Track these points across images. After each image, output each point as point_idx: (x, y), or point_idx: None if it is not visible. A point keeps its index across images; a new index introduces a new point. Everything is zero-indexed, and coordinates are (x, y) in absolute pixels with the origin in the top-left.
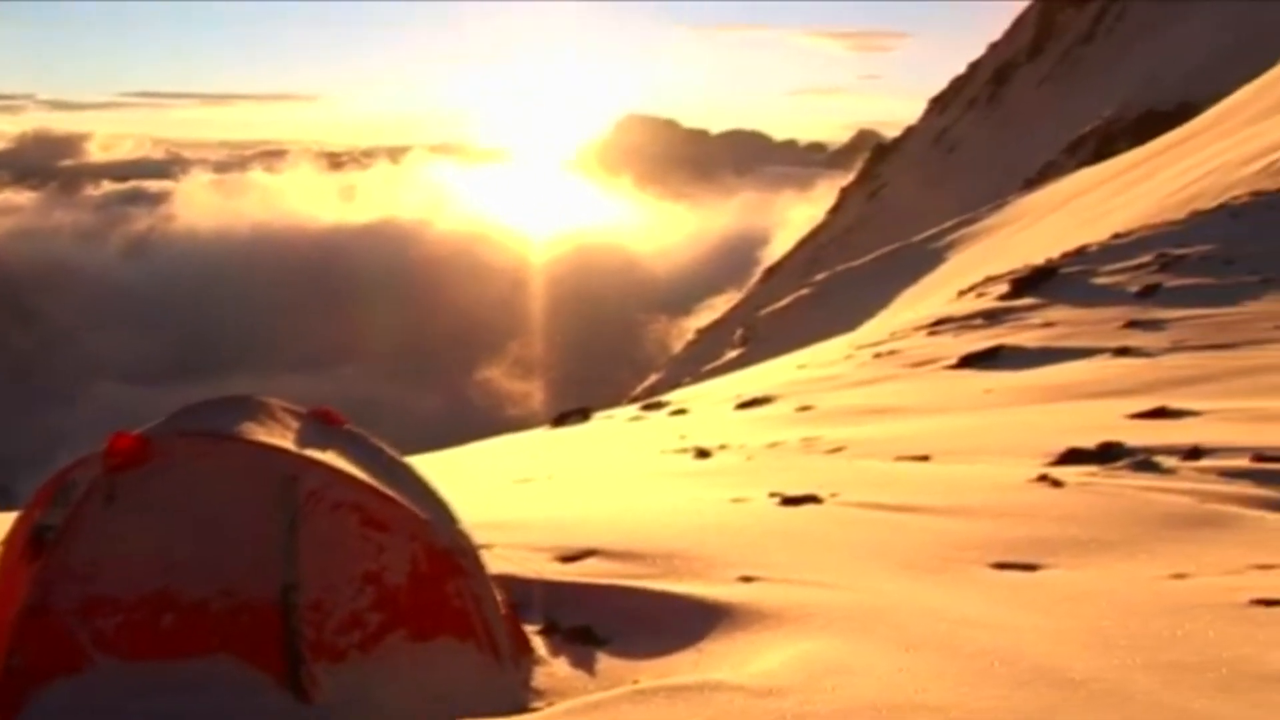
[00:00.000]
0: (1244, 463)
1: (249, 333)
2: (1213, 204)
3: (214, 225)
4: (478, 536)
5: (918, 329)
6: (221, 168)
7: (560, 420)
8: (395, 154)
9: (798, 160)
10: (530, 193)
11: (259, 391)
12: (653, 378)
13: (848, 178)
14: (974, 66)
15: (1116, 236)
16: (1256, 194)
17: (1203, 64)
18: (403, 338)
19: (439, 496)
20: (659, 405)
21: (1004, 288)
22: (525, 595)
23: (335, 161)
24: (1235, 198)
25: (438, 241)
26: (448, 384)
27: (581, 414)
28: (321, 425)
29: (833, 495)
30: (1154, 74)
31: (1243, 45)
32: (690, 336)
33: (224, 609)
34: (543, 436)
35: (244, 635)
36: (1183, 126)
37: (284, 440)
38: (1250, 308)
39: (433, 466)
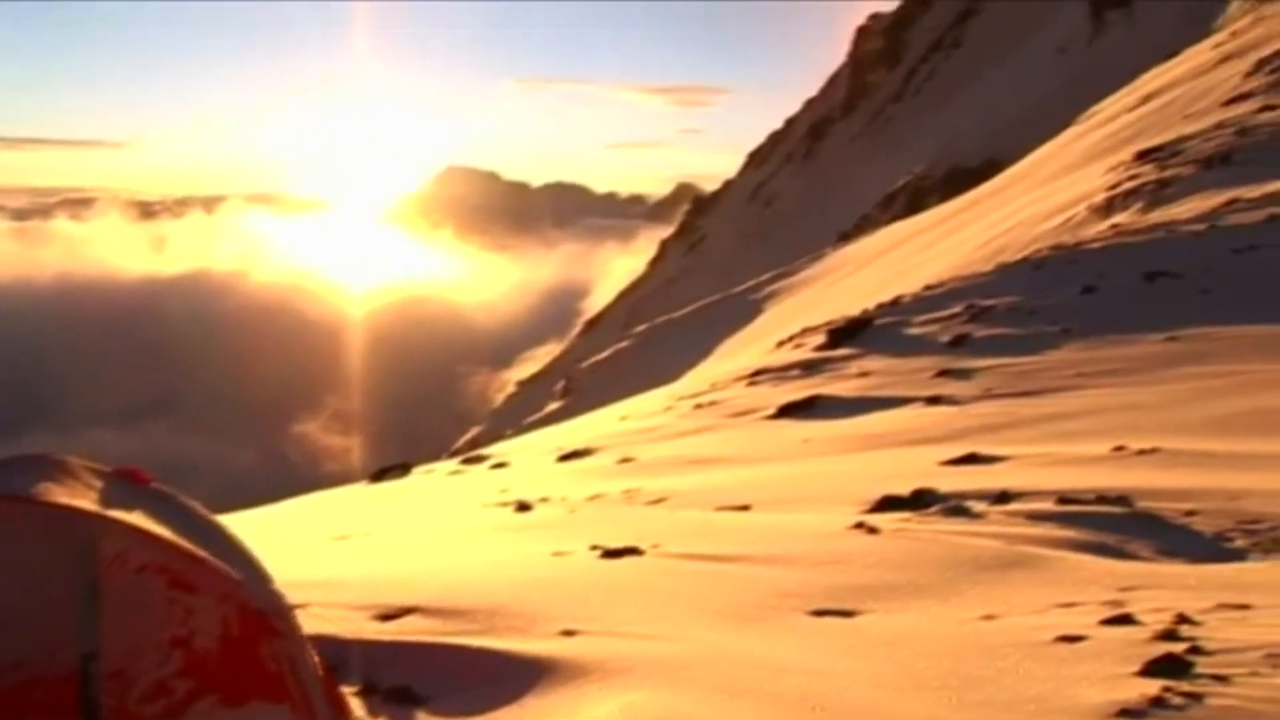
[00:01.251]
0: (1049, 505)
1: (51, 387)
2: (1017, 257)
3: (13, 275)
4: (293, 596)
5: (737, 380)
6: (22, 215)
7: (379, 475)
8: (210, 204)
9: (619, 213)
10: (350, 244)
11: (61, 449)
12: (474, 431)
13: (668, 230)
14: (791, 122)
15: (928, 288)
16: (1057, 248)
17: (1006, 123)
18: (216, 392)
19: (252, 556)
20: (480, 459)
21: (821, 338)
22: (342, 655)
23: (146, 210)
24: (1037, 251)
25: (254, 293)
26: (263, 439)
27: (401, 469)
28: (126, 484)
29: (654, 546)
30: (961, 132)
31: (1043, 106)
32: (512, 389)
33: (15, 684)
34: (362, 492)
35: (39, 711)
36: (988, 182)
37: (85, 501)
38: (1052, 356)
39: (247, 525)
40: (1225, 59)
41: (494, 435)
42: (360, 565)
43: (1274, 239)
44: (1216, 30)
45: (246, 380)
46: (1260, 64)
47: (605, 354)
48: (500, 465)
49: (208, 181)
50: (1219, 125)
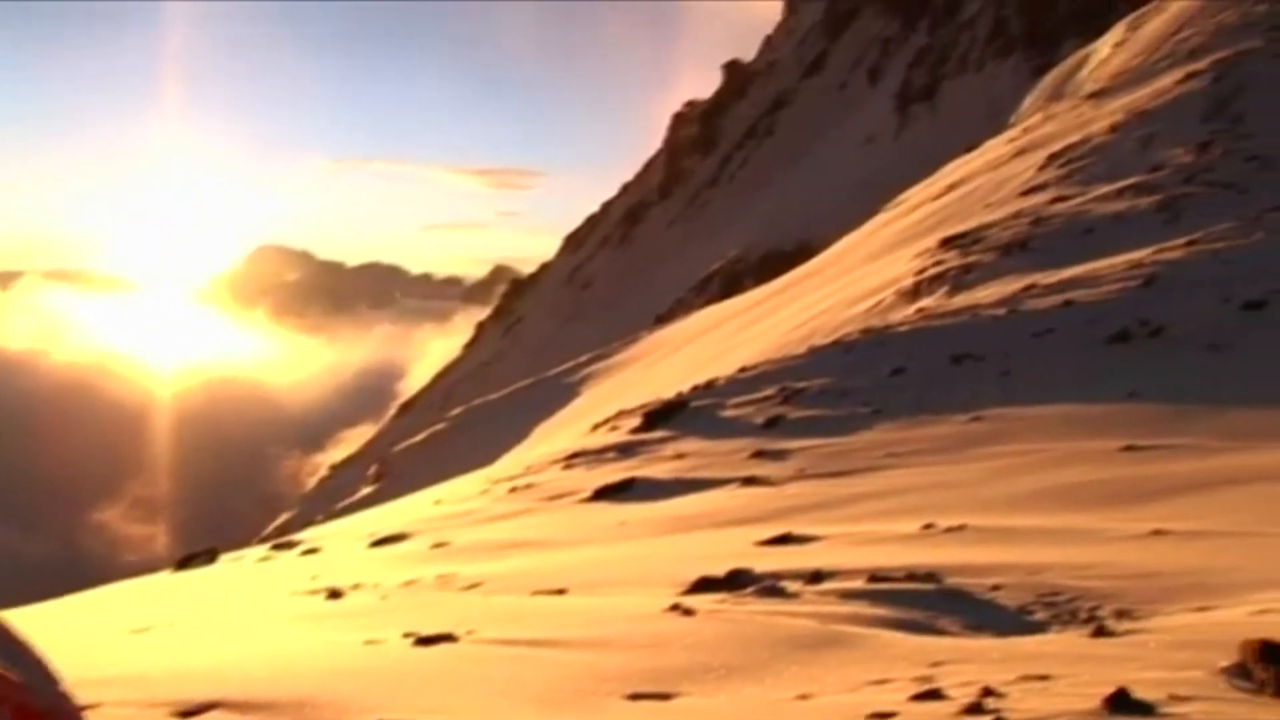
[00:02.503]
0: (861, 584)
1: None
2: (829, 340)
3: None
4: (85, 695)
5: (553, 463)
6: None
7: (184, 563)
8: (5, 280)
9: (435, 294)
10: (157, 323)
11: None
12: (284, 516)
13: (485, 312)
14: (608, 206)
15: (742, 371)
16: (867, 331)
17: (818, 209)
18: (9, 477)
19: (37, 654)
20: (290, 545)
21: (636, 421)
22: None
23: None
24: (848, 334)
25: (52, 373)
26: (59, 528)
27: (207, 556)
28: None
29: (469, 633)
30: (775, 218)
31: (853, 193)
32: (324, 473)
33: None
34: (165, 581)
35: None
36: (801, 267)
37: None
38: (864, 437)
39: (37, 620)
40: (1020, 152)
41: (305, 520)
42: (161, 659)
43: (1069, 323)
44: (1012, 125)
45: (41, 465)
46: (1052, 158)
47: (420, 437)
48: (311, 551)
49: (3, 257)
50: (1016, 214)
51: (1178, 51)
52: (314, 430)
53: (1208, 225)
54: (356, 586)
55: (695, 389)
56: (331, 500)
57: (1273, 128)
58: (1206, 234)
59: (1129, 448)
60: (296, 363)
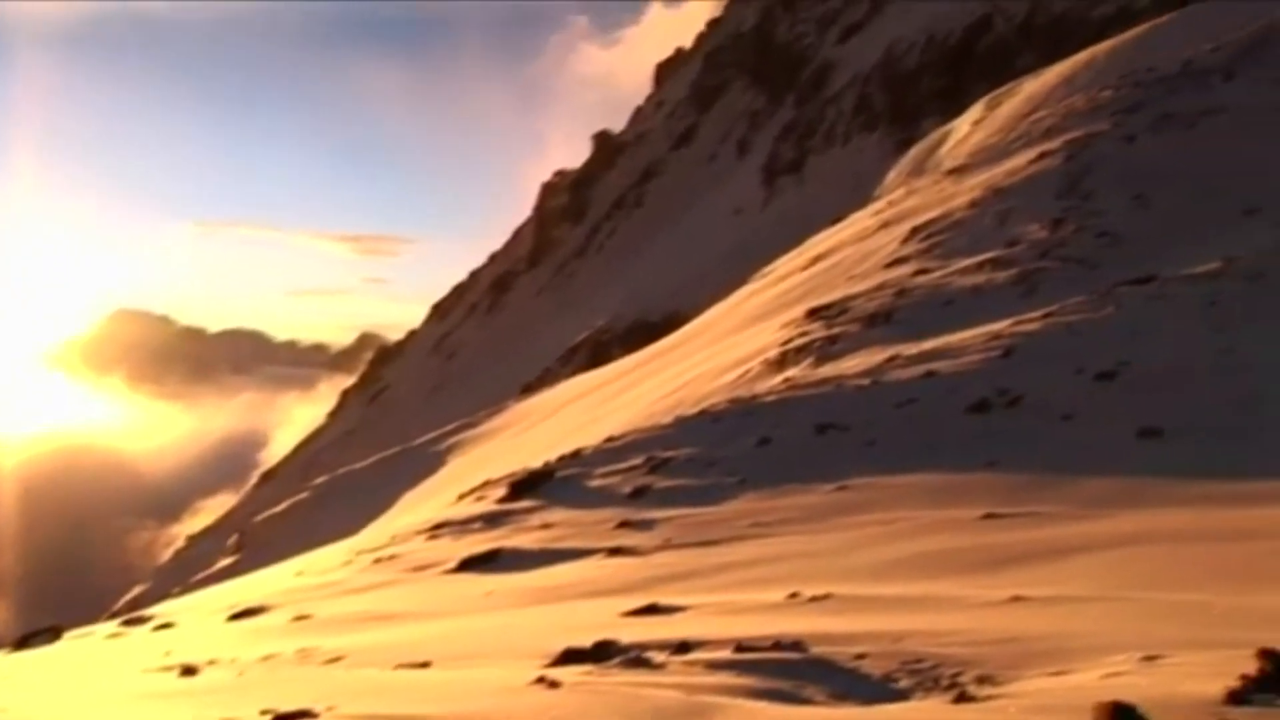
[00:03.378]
0: (727, 654)
1: None
2: (696, 409)
3: None
4: None
5: (418, 533)
6: None
7: (24, 642)
8: None
9: (299, 361)
10: (4, 389)
11: None
12: (137, 589)
13: (350, 380)
14: (476, 274)
15: (609, 440)
16: (734, 401)
17: (687, 279)
18: None
19: None
20: (142, 619)
21: (503, 491)
22: None
23: None
24: (716, 404)
25: None
26: None
27: (50, 634)
28: None
29: (329, 709)
30: (643, 287)
31: (721, 263)
32: (181, 544)
33: None
34: (2, 662)
35: None
36: (669, 337)
37: None
38: (730, 506)
39: None
40: (885, 225)
41: (160, 594)
42: None
43: (931, 393)
44: (877, 199)
45: None
46: (914, 231)
47: (282, 506)
48: (165, 626)
49: None
50: (880, 286)
51: (1032, 131)
52: (171, 500)
53: (1062, 298)
54: (212, 662)
55: (562, 459)
56: (188, 572)
57: (1120, 206)
58: (1061, 307)
59: (989, 516)
60: (153, 430)
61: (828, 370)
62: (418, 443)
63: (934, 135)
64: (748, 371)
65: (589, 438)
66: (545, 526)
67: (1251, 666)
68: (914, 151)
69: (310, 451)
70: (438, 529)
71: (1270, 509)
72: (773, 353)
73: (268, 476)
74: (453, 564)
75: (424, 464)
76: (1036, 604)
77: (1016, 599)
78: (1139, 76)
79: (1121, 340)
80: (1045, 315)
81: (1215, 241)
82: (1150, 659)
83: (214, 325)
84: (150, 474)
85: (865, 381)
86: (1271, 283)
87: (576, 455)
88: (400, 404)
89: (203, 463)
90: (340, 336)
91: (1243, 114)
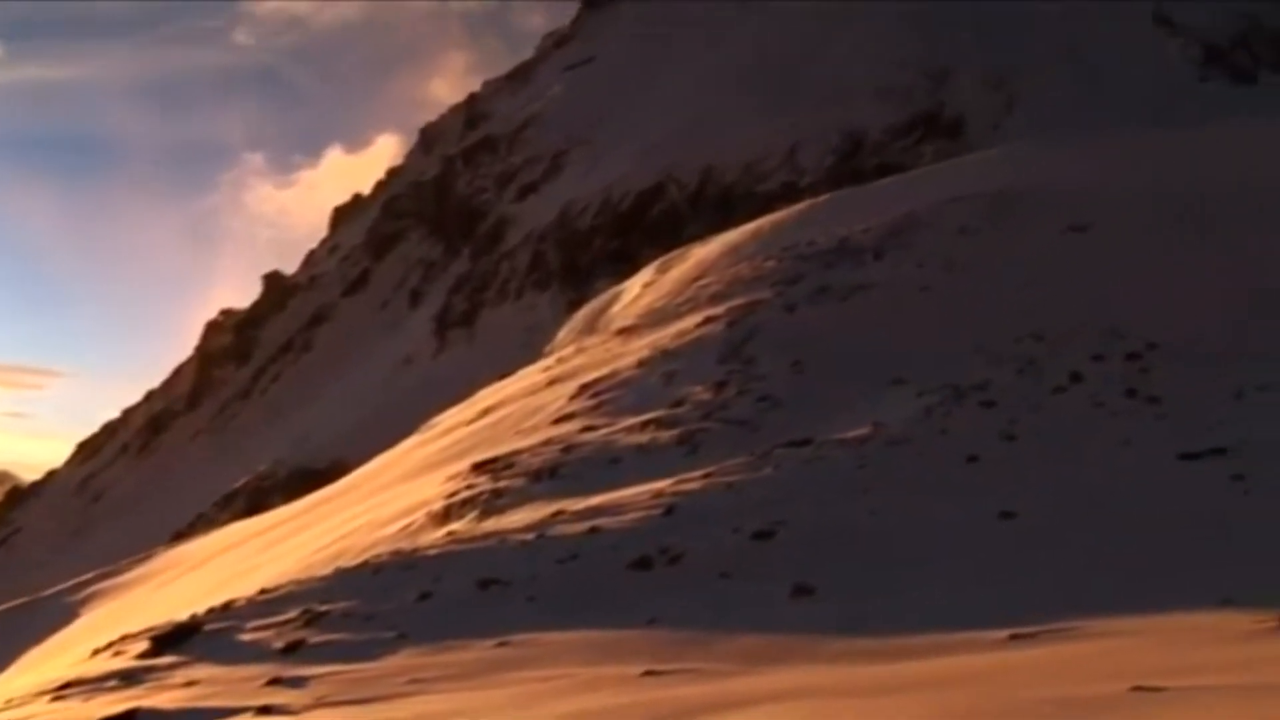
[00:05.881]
0: None
1: None
2: (357, 561)
3: None
4: None
5: (40, 694)
6: None
7: None
8: None
9: None
10: None
11: None
12: None
13: None
14: (129, 413)
15: (263, 592)
16: (396, 553)
17: (353, 427)
18: None
19: None
20: None
21: (144, 645)
22: None
23: None
24: (377, 556)
25: None
26: None
27: None
28: None
29: None
30: (308, 433)
31: (390, 412)
32: None
33: None
34: None
35: None
36: (333, 485)
37: None
38: (388, 662)
39: None
40: (554, 381)
41: None
42: None
43: (594, 549)
44: (547, 355)
45: None
46: (583, 389)
47: None
48: None
49: None
50: (547, 441)
51: (699, 296)
52: None
53: (723, 459)
54: None
55: (211, 611)
56: None
57: (780, 372)
58: (721, 467)
59: (649, 673)
60: None
61: (491, 524)
62: (48, 593)
63: (605, 295)
64: (411, 524)
65: (242, 588)
66: (189, 684)
67: None
68: (585, 310)
69: None
70: (65, 689)
71: (915, 662)
72: (437, 505)
73: None
74: None
75: (55, 616)
76: None
77: None
78: (800, 250)
79: (779, 500)
80: (706, 475)
81: (865, 408)
82: None
83: None
84: None
85: (529, 536)
86: (915, 448)
87: (227, 607)
88: (33, 550)
89: None
90: None
91: (891, 290)
